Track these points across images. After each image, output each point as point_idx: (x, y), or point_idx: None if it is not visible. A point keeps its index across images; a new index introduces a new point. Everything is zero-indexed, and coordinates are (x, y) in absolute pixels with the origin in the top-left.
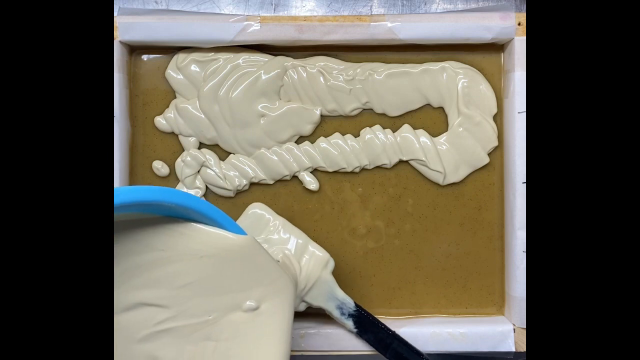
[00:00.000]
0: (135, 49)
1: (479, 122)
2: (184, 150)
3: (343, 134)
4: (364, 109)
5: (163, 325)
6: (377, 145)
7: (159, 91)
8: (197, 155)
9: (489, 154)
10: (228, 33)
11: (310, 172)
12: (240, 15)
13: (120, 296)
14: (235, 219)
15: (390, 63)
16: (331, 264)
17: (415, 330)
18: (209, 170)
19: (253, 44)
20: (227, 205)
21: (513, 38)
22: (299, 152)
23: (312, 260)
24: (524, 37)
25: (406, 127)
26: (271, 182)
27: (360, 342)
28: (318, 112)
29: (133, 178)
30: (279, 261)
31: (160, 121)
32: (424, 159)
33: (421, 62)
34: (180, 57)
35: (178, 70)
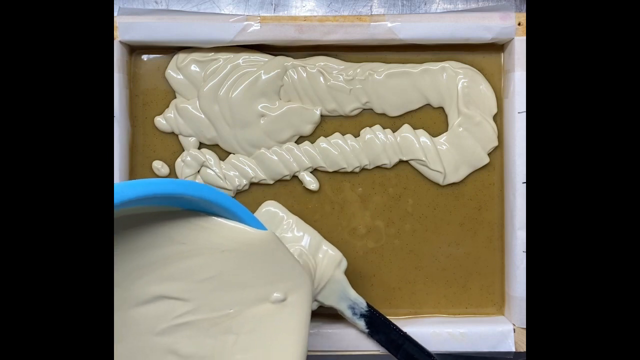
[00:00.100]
0: (135, 49)
1: (479, 122)
2: (184, 150)
3: (343, 134)
4: (364, 109)
5: (183, 318)
6: (377, 145)
7: (159, 91)
8: (197, 155)
9: (489, 154)
10: (228, 33)
11: (310, 172)
12: (240, 15)
13: (141, 289)
14: None
15: (390, 63)
16: (344, 263)
17: (415, 330)
18: (209, 170)
19: (253, 44)
20: None
21: (513, 38)
22: (299, 152)
23: (325, 260)
24: (524, 37)
25: (406, 127)
26: (271, 182)
27: (361, 342)
28: (318, 112)
29: (133, 178)
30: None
31: (160, 121)
32: (424, 159)
33: (421, 62)
34: (180, 57)
35: (178, 70)
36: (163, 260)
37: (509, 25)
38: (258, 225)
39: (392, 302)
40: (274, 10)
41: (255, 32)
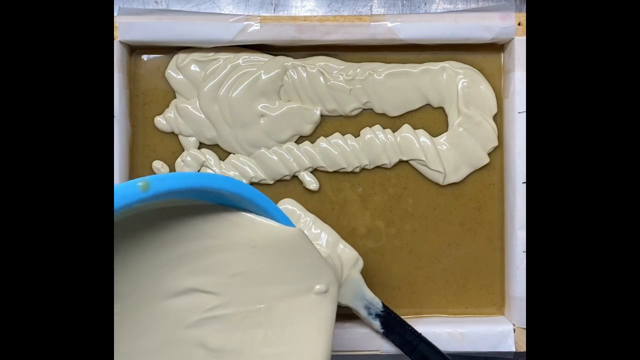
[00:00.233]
0: (135, 49)
1: (479, 122)
2: (184, 150)
3: (343, 134)
4: (364, 109)
5: (213, 312)
6: (377, 145)
7: (159, 91)
8: (197, 155)
9: (489, 154)
10: (228, 33)
11: (310, 172)
12: (240, 15)
13: (172, 281)
14: None
15: (390, 63)
16: (360, 263)
17: None
18: (209, 170)
19: (253, 44)
20: None
21: (513, 38)
22: (299, 152)
23: (342, 258)
24: (524, 37)
25: (406, 127)
26: (271, 182)
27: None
28: (318, 112)
29: (133, 178)
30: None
31: (160, 121)
32: (424, 159)
33: (421, 62)
34: (180, 57)
35: (178, 70)
36: (196, 254)
37: (509, 25)
38: (286, 221)
39: (392, 302)
40: (274, 10)
41: (255, 32)
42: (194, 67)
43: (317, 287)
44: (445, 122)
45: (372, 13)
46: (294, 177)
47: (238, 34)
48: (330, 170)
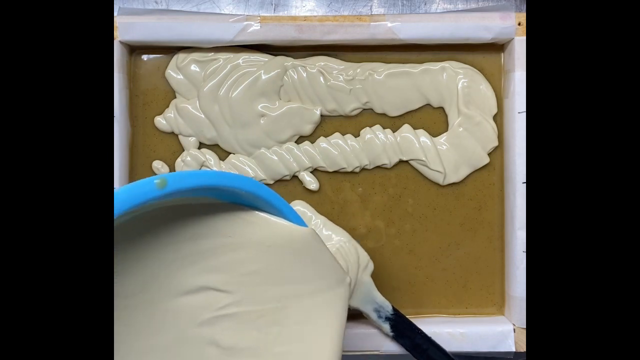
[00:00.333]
0: (135, 49)
1: (479, 122)
2: (184, 150)
3: (343, 134)
4: (364, 109)
5: (226, 310)
6: (377, 145)
7: (159, 91)
8: (197, 155)
9: (489, 154)
10: (228, 33)
11: (310, 172)
12: (240, 15)
13: (185, 279)
14: None
15: (390, 63)
16: (371, 266)
17: None
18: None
19: (253, 44)
20: None
21: (513, 38)
22: (299, 152)
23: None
24: (524, 37)
25: (406, 127)
26: (271, 182)
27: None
28: (318, 112)
29: (133, 178)
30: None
31: (160, 121)
32: (424, 159)
33: (421, 62)
34: (180, 57)
35: (178, 70)
36: (209, 252)
37: (509, 25)
38: (299, 221)
39: (392, 302)
40: (274, 10)
41: (255, 32)
42: (194, 67)
43: (321, 287)
44: (445, 122)
45: (372, 13)
46: (294, 177)
47: (238, 34)
48: (330, 170)
